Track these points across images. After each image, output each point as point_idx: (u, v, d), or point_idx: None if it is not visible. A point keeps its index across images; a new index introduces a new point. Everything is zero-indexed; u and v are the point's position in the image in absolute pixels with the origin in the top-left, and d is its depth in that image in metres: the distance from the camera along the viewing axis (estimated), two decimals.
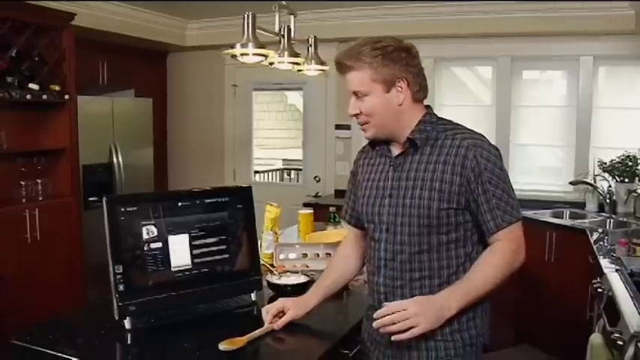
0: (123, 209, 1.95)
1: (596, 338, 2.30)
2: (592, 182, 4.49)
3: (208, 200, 2.13)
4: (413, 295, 1.67)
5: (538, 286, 4.10)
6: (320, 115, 5.76)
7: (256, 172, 7.36)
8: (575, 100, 4.79)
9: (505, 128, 4.97)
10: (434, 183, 1.65)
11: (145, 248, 1.97)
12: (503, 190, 1.64)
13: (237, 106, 6.15)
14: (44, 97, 4.05)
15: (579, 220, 4.31)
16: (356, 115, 1.73)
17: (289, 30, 2.77)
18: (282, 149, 8.59)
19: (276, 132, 9.12)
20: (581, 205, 4.64)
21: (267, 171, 8.50)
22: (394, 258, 1.71)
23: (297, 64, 2.87)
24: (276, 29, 2.75)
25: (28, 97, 3.94)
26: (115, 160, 5.13)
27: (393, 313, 1.54)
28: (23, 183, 4.18)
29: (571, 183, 4.57)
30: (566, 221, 4.36)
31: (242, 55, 2.47)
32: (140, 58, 5.81)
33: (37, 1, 3.99)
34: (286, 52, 2.76)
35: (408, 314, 1.53)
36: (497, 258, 1.64)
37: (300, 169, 6.63)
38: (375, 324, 1.57)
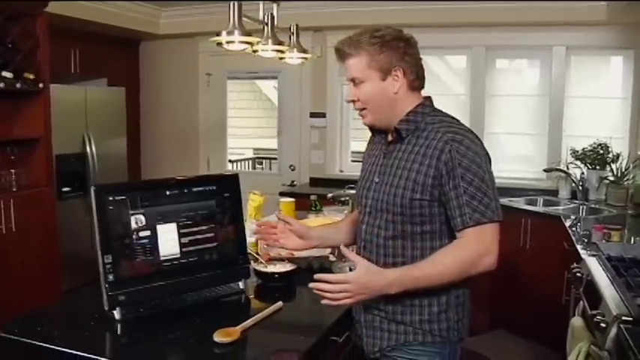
0: (111, 198, 1.93)
1: (576, 321, 2.35)
2: (565, 170, 4.58)
3: (196, 189, 2.12)
4: None
5: (514, 273, 4.17)
6: (295, 103, 5.75)
7: (230, 161, 7.32)
8: (547, 89, 4.87)
9: (479, 117, 5.03)
10: (411, 173, 1.68)
11: (134, 237, 1.95)
12: (478, 189, 1.61)
13: (211, 95, 6.10)
14: (18, 85, 3.96)
15: (553, 207, 4.40)
16: (353, 102, 1.78)
17: (273, 18, 2.76)
18: (256, 138, 8.54)
19: (249, 121, 9.06)
20: (554, 192, 4.74)
21: (240, 160, 8.46)
22: (372, 241, 1.77)
23: (281, 51, 2.87)
24: (260, 17, 2.73)
25: (2, 85, 3.84)
26: (88, 149, 5.05)
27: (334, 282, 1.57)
28: None
29: (545, 170, 4.67)
30: (540, 208, 4.46)
31: (228, 42, 2.45)
32: (112, 47, 5.72)
33: None
34: (270, 40, 2.75)
35: (345, 289, 1.56)
36: (459, 257, 1.62)
37: (273, 158, 6.63)
38: (311, 285, 1.60)
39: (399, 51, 1.70)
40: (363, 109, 1.76)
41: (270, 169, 7.94)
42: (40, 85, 4.13)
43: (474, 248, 1.61)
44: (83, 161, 5.03)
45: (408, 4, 4.86)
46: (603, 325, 1.98)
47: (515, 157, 5.08)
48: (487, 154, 1.71)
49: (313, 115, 5.64)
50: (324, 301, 1.59)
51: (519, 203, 4.49)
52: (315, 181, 5.56)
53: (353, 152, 5.67)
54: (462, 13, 4.78)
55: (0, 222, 3.87)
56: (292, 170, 5.82)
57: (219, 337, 1.71)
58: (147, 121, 6.34)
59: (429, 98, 1.81)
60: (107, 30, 5.31)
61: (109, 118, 5.37)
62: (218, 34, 2.41)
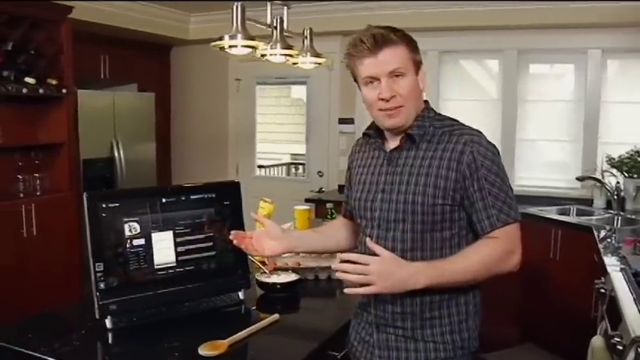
0: (104, 205, 1.91)
1: (597, 341, 2.21)
2: (599, 178, 4.38)
3: (194, 196, 2.08)
4: (403, 294, 1.58)
5: (543, 285, 4.02)
6: (323, 109, 5.69)
7: (261, 166, 7.29)
8: (582, 94, 4.69)
9: (511, 123, 4.89)
10: (429, 178, 1.59)
11: (127, 245, 1.92)
12: (501, 189, 1.57)
13: (240, 100, 6.10)
14: (41, 91, 4.00)
15: (586, 217, 4.21)
16: (391, 99, 1.59)
17: (281, 21, 2.69)
18: (287, 143, 8.48)
19: (282, 126, 9.00)
20: (589, 201, 4.55)
21: (274, 165, 8.41)
22: None
23: (290, 56, 2.79)
24: (268, 21, 2.67)
25: (25, 91, 3.89)
26: (116, 154, 5.10)
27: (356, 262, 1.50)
28: (21, 177, 4.15)
29: (578, 179, 4.48)
30: (572, 218, 4.27)
31: (230, 47, 2.40)
32: (143, 52, 5.76)
33: None
34: (279, 44, 2.68)
35: (368, 270, 1.48)
36: (488, 252, 1.56)
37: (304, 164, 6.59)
38: (333, 266, 1.53)
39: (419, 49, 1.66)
40: (400, 106, 1.61)
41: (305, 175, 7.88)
42: (64, 91, 4.17)
43: (502, 246, 1.56)
44: (111, 166, 5.07)
45: (438, 6, 4.76)
46: (620, 347, 1.84)
47: (548, 165, 4.90)
48: (499, 152, 1.65)
49: (342, 120, 5.56)
50: (347, 290, 1.52)
51: (551, 212, 4.31)
52: (342, 188, 5.45)
53: None
54: (493, 15, 4.64)
55: (21, 226, 3.92)
56: (320, 176, 5.76)
57: (204, 350, 1.66)
58: (177, 127, 6.38)
59: (427, 102, 1.73)
60: (137, 36, 5.36)
61: (138, 124, 5.42)
62: (221, 38, 2.36)
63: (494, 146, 1.63)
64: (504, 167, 1.63)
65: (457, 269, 1.54)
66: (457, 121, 1.70)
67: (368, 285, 1.49)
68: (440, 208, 1.58)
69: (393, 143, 1.70)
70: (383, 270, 1.48)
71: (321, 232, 2.11)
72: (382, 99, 1.59)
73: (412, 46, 1.62)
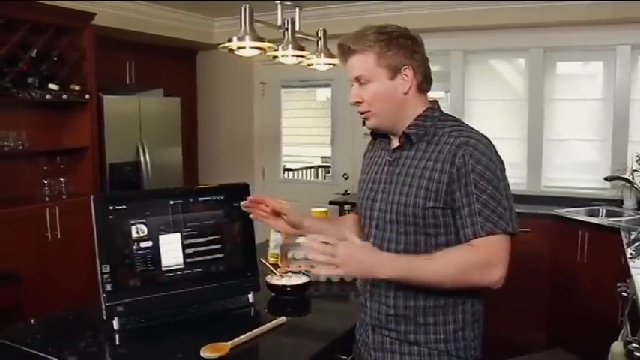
0: (112, 208, 1.92)
1: (616, 347, 2.13)
2: (629, 178, 4.25)
3: (202, 198, 2.08)
4: (397, 295, 1.60)
5: (571, 288, 3.91)
6: (348, 111, 5.64)
7: (289, 169, 7.29)
8: (612, 92, 4.56)
9: (538, 122, 4.79)
10: (422, 180, 1.56)
11: (135, 247, 1.93)
12: (491, 197, 1.50)
13: (265, 104, 6.12)
14: (64, 96, 4.09)
15: (615, 219, 4.09)
16: (357, 103, 1.64)
17: (293, 23, 2.68)
18: (315, 146, 8.48)
19: (310, 129, 9.01)
20: (619, 202, 4.42)
21: (303, 168, 8.42)
22: None
23: (302, 57, 2.78)
24: (279, 22, 2.66)
25: (48, 97, 3.98)
26: (142, 158, 5.15)
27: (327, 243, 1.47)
28: (46, 182, 4.24)
29: (606, 179, 4.36)
30: (601, 220, 4.15)
31: (239, 48, 2.40)
32: (168, 57, 5.82)
33: (57, 0, 4.02)
34: (290, 46, 2.67)
35: (335, 252, 1.45)
36: (464, 258, 1.50)
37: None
38: (304, 239, 1.54)
39: (408, 49, 1.59)
40: (368, 111, 1.63)
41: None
42: (87, 96, 4.24)
43: (482, 254, 1.49)
44: (137, 170, 5.13)
45: (461, 6, 4.69)
46: (637, 353, 1.77)
47: (576, 165, 4.78)
48: (502, 160, 1.58)
49: None
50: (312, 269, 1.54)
51: (579, 214, 4.20)
52: None
53: None
54: (518, 13, 4.56)
55: (46, 229, 3.99)
56: (346, 179, 5.73)
57: (206, 352, 1.65)
58: (203, 131, 6.43)
59: (436, 102, 1.69)
60: (162, 41, 5.42)
61: (164, 128, 5.47)
62: (230, 40, 2.37)
63: (493, 152, 1.56)
64: (504, 175, 1.56)
65: (427, 268, 1.49)
66: (462, 122, 1.66)
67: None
68: (431, 212, 1.55)
69: (395, 143, 1.69)
70: (349, 255, 1.46)
71: (338, 225, 2.09)
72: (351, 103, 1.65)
73: (384, 50, 1.58)
